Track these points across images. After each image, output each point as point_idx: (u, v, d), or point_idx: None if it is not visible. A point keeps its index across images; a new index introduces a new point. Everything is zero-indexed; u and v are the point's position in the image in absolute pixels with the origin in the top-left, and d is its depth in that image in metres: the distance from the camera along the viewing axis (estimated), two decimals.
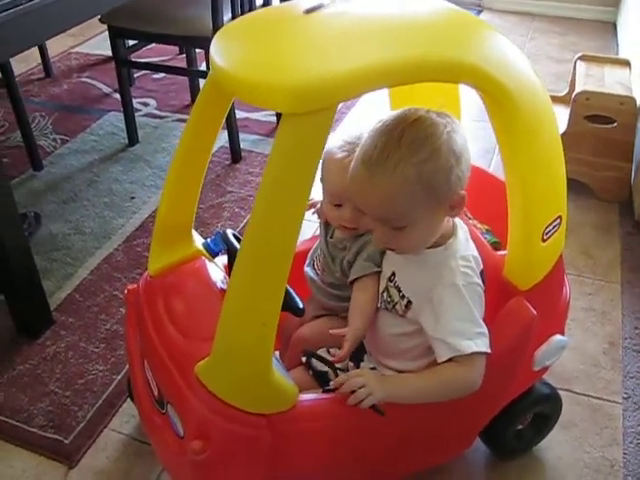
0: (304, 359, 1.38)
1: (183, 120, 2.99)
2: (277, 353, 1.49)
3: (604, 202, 2.42)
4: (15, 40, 1.67)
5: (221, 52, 1.04)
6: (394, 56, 0.97)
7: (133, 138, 2.81)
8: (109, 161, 2.72)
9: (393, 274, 1.26)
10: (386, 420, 1.14)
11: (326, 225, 1.43)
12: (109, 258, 2.18)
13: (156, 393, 1.25)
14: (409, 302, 1.22)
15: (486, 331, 1.16)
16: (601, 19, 4.02)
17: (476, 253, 1.23)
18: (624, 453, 1.56)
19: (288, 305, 1.16)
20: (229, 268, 1.28)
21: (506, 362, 1.28)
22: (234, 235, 1.32)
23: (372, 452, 1.24)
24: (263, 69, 0.96)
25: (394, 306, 1.25)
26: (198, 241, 1.38)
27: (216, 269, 1.35)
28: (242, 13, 2.50)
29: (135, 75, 3.32)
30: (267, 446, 1.11)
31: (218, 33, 1.11)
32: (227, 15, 2.47)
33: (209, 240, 1.36)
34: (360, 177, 1.12)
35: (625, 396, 1.70)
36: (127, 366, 1.76)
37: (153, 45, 3.26)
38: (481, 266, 1.22)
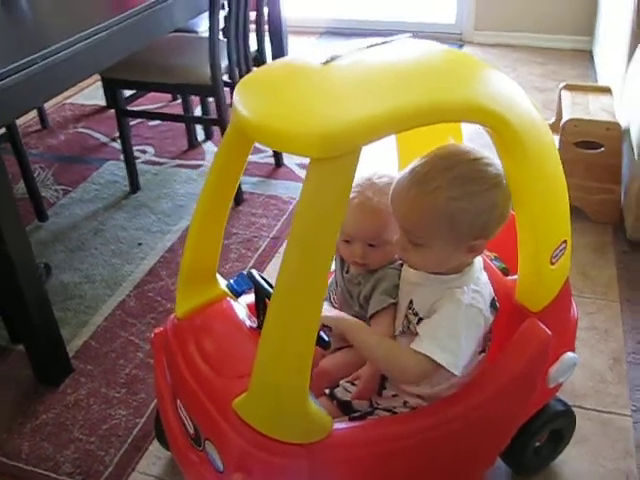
0: (327, 390, 1.43)
1: (182, 165, 3.06)
2: None
3: (597, 224, 2.49)
4: (28, 99, 1.74)
5: (245, 103, 1.09)
6: (411, 101, 1.04)
7: (135, 185, 2.86)
8: (113, 209, 2.77)
9: (411, 302, 1.31)
10: (417, 444, 1.19)
11: (342, 260, 1.48)
12: (122, 304, 2.22)
13: (192, 431, 1.29)
14: (420, 319, 1.27)
15: (460, 355, 1.20)
16: (578, 48, 4.13)
17: (487, 280, 1.30)
18: (638, 464, 1.61)
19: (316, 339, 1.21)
20: (256, 305, 1.33)
21: (526, 380, 1.33)
22: (259, 275, 1.37)
23: (404, 475, 1.28)
24: (290, 117, 1.02)
25: (409, 327, 1.30)
26: (222, 282, 1.43)
27: (242, 308, 1.40)
28: (238, 60, 2.58)
29: (131, 123, 3.35)
30: (306, 475, 1.15)
31: (238, 84, 1.17)
32: (224, 62, 2.53)
33: (232, 281, 1.41)
34: (402, 185, 1.21)
35: (634, 409, 1.75)
36: (150, 409, 1.79)
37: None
38: (492, 294, 1.29)
